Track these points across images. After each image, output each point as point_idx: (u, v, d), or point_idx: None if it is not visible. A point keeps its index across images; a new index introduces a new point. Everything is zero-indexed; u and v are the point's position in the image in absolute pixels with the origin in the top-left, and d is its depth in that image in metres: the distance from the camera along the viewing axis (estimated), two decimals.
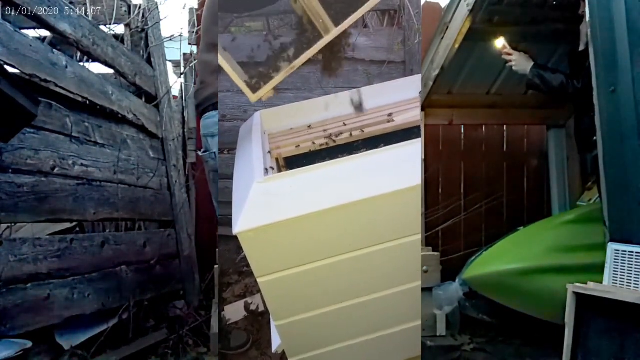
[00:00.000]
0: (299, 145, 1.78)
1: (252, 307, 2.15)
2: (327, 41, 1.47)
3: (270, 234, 1.17)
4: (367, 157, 1.31)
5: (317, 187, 1.21)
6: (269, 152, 1.66)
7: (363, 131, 1.80)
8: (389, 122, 1.84)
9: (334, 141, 1.82)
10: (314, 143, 1.79)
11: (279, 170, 1.70)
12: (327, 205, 1.18)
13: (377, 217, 1.25)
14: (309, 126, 1.87)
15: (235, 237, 1.20)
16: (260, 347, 2.00)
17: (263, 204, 1.18)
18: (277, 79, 1.48)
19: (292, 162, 1.76)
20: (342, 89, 1.96)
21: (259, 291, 2.15)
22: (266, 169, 1.43)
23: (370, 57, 2.83)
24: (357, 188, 1.21)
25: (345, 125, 1.86)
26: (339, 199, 1.19)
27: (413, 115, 1.78)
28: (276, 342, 1.57)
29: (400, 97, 1.90)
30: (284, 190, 1.20)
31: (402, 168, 1.27)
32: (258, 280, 1.24)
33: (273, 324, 1.42)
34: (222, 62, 1.40)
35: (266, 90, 1.49)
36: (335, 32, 1.46)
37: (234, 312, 2.21)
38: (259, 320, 2.09)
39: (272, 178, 1.25)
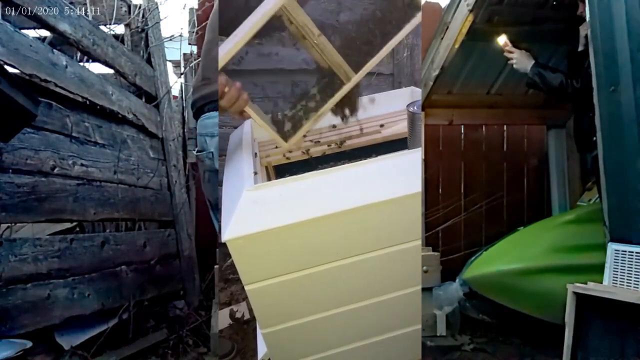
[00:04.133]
0: (291, 153, 1.78)
1: (238, 315, 2.14)
2: (350, 87, 1.50)
3: (259, 242, 1.17)
4: (358, 166, 1.31)
5: (306, 195, 1.21)
6: (256, 153, 1.66)
7: (341, 144, 1.82)
8: (378, 132, 1.85)
9: (327, 149, 1.83)
10: (303, 152, 1.79)
11: (269, 179, 1.71)
12: (316, 214, 1.17)
13: (369, 225, 1.24)
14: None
15: (222, 245, 1.20)
16: (245, 356, 1.99)
17: (252, 212, 1.17)
18: (306, 127, 1.50)
19: (284, 171, 1.77)
20: None
21: (244, 299, 2.16)
22: (255, 172, 1.44)
23: None
24: (347, 197, 1.21)
25: (335, 134, 1.87)
26: (328, 208, 1.18)
27: (402, 127, 1.79)
28: (262, 350, 1.56)
29: (390, 108, 1.91)
30: (273, 199, 1.20)
31: (396, 176, 1.27)
32: (245, 287, 1.23)
33: (259, 331, 1.42)
34: (251, 112, 1.43)
35: (298, 137, 1.51)
36: (356, 78, 1.49)
37: (219, 319, 2.21)
38: (244, 329, 2.09)
39: (262, 186, 1.25)
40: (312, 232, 1.20)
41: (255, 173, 1.45)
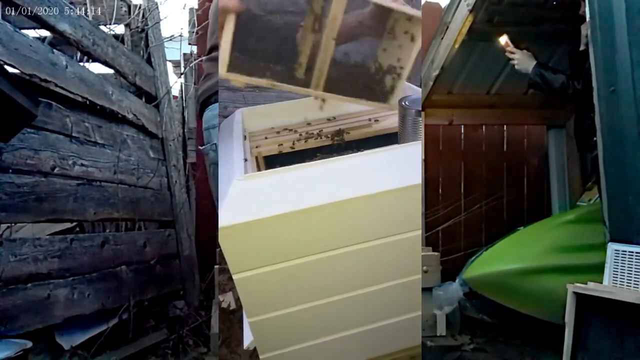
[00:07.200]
0: (282, 144, 1.79)
1: (224, 305, 2.15)
2: (304, 93, 1.51)
3: (248, 232, 1.17)
4: (351, 158, 1.32)
5: (297, 186, 1.21)
6: (245, 136, 1.66)
7: (333, 137, 1.82)
8: (368, 126, 1.85)
9: (321, 139, 1.83)
10: (293, 143, 1.80)
11: (259, 170, 1.71)
12: (306, 205, 1.18)
13: (361, 217, 1.25)
14: (289, 127, 1.87)
15: None
16: (230, 346, 1.99)
17: (242, 201, 1.17)
18: (252, 80, 1.46)
19: (275, 163, 1.77)
20: None
21: (231, 289, 2.17)
22: (245, 159, 1.44)
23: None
24: (337, 189, 1.21)
25: (325, 127, 1.88)
26: (318, 200, 1.19)
27: (392, 121, 1.79)
28: (248, 339, 1.57)
29: None
30: (264, 188, 1.20)
31: (391, 169, 1.28)
32: (234, 276, 1.23)
33: (246, 320, 1.42)
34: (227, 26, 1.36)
35: (236, 80, 1.45)
36: (319, 94, 1.51)
37: None
38: (229, 318, 2.09)
39: (253, 176, 1.26)
40: (302, 223, 1.20)
41: (245, 160, 1.45)
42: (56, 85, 2.06)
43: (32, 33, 2.31)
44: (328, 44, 1.42)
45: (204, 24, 3.21)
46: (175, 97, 3.51)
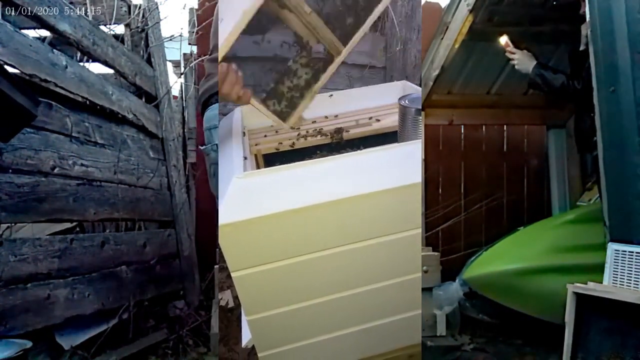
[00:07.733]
0: (281, 142, 1.79)
1: (222, 303, 2.15)
2: (341, 60, 1.50)
3: (247, 229, 1.17)
4: (350, 157, 1.32)
5: (295, 184, 1.22)
6: (244, 133, 1.66)
7: (332, 136, 1.82)
8: (368, 125, 1.85)
9: (322, 138, 1.83)
10: (293, 142, 1.80)
11: (258, 168, 1.72)
12: (306, 203, 1.18)
13: (359, 215, 1.25)
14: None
15: None
16: (228, 344, 2.00)
17: (241, 199, 1.17)
18: (304, 104, 1.50)
19: (274, 161, 1.77)
20: (323, 90, 1.96)
21: (229, 287, 2.17)
22: (245, 157, 1.44)
23: (352, 60, 2.81)
24: (337, 187, 1.22)
25: (325, 125, 1.88)
26: (318, 197, 1.19)
27: (392, 120, 1.79)
28: (246, 337, 1.57)
29: (381, 101, 1.91)
30: (263, 186, 1.20)
31: (391, 167, 1.28)
32: (232, 274, 1.24)
33: (244, 318, 1.43)
34: (255, 103, 1.44)
35: (297, 116, 1.51)
36: (345, 51, 1.49)
37: None
38: (228, 317, 2.10)
39: (252, 174, 1.26)
40: (301, 221, 1.21)
41: (245, 158, 1.45)
42: (56, 85, 2.06)
43: (32, 33, 2.30)
44: (311, 18, 1.40)
45: (204, 24, 3.22)
46: (175, 97, 3.51)
